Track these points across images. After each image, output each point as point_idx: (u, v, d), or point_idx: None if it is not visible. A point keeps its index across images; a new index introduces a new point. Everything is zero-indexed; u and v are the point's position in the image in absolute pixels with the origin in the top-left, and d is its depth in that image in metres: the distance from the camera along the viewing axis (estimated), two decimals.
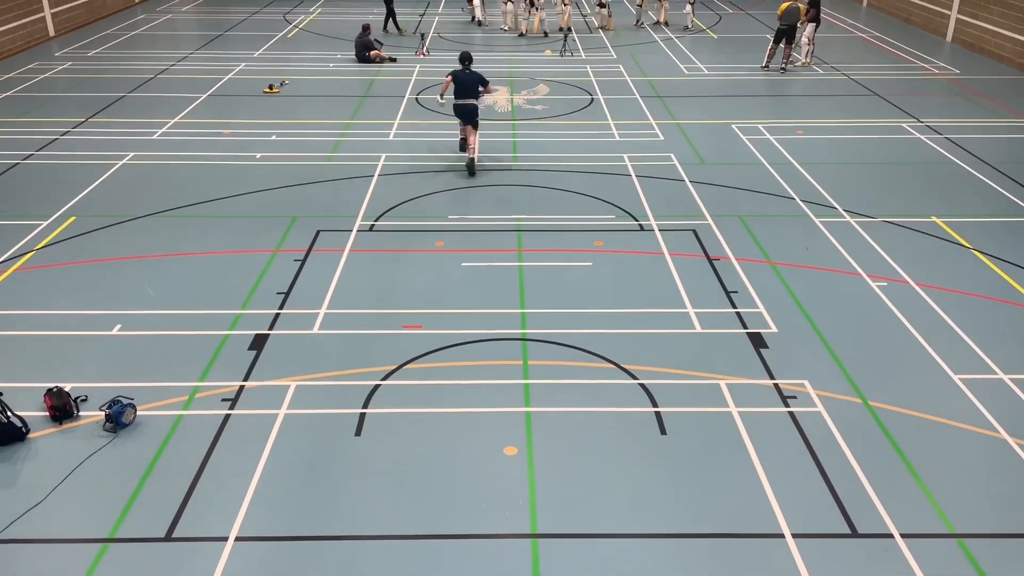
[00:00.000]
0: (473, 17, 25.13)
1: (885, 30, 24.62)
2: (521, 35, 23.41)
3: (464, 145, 13.36)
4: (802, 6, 19.31)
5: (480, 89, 12.99)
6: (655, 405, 7.77)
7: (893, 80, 19.14)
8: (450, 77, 12.94)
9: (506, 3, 23.88)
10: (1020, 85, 18.87)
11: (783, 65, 19.78)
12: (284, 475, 6.89)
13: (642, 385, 8.05)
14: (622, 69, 19.87)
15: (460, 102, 12.97)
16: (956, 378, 8.20)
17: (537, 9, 23.25)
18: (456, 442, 7.30)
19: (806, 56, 20.24)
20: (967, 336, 8.89)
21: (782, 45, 19.66)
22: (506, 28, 24.06)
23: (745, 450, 7.19)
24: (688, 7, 24.25)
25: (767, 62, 19.96)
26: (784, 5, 19.12)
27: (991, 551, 6.18)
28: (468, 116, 13.06)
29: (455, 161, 13.67)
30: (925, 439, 7.37)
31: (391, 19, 23.58)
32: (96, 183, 12.78)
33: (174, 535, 6.27)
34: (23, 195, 12.35)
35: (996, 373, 8.28)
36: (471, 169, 13.05)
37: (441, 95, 13.37)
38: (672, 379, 8.16)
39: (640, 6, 24.88)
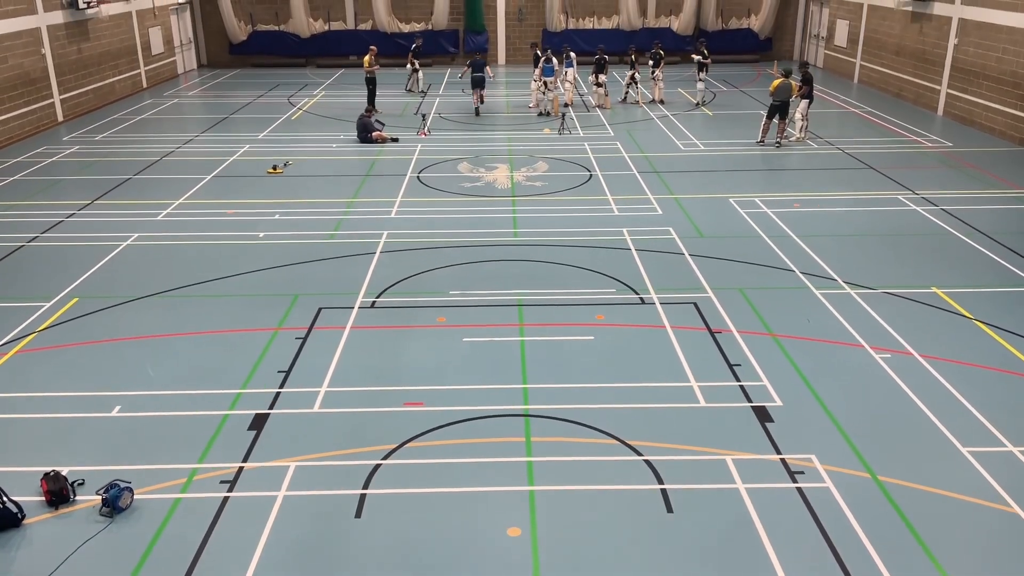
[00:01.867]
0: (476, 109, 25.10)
1: (877, 105, 25.13)
2: (541, 114, 23.90)
3: (477, 110, 23.31)
4: (794, 83, 19.76)
5: (487, 69, 23.74)
6: (660, 482, 7.65)
7: (887, 153, 19.44)
8: (469, 66, 23.46)
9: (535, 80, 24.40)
10: (1013, 156, 19.17)
11: (778, 140, 20.14)
12: (283, 559, 6.74)
13: (647, 461, 7.94)
14: (619, 146, 20.22)
15: (474, 75, 23.31)
16: (965, 451, 8.09)
17: (550, 90, 23.74)
18: (458, 523, 7.16)
19: (800, 132, 20.62)
20: (973, 408, 8.80)
21: (775, 121, 20.04)
22: (532, 106, 24.64)
23: (753, 527, 7.05)
24: (700, 84, 25.02)
25: (762, 137, 20.34)
26: (776, 82, 19.54)
27: None
28: (481, 83, 23.44)
29: (457, 237, 13.79)
30: (936, 514, 7.23)
31: (372, 98, 23.93)
32: (100, 264, 12.88)
33: None
34: (27, 277, 12.44)
35: (1005, 445, 8.17)
36: (478, 112, 23.32)
37: (462, 76, 22.64)
38: (677, 455, 8.05)
39: (628, 85, 25.49)
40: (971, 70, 22.13)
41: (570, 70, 24.82)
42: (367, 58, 23.76)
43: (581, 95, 26.50)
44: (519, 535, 6.99)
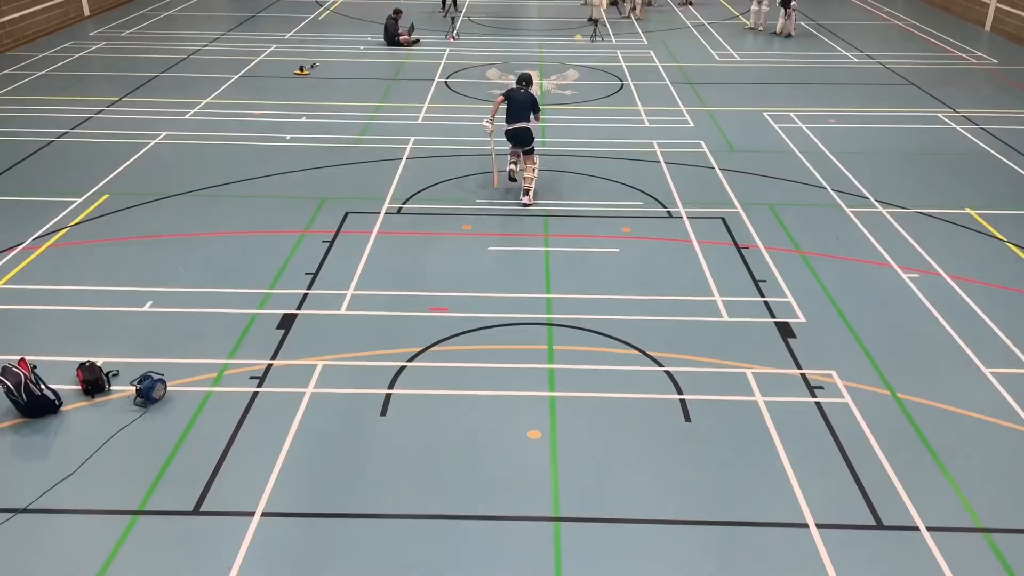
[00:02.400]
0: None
1: (923, 18, 24.19)
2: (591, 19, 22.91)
3: (512, 176, 11.74)
4: None
5: (532, 115, 11.44)
6: (680, 392, 7.75)
7: (930, 69, 18.82)
8: (502, 96, 11.46)
9: None
10: None
11: (789, 32, 21.48)
12: (310, 453, 6.97)
13: (667, 372, 8.03)
14: (652, 55, 19.71)
15: (512, 127, 11.40)
16: (987, 372, 8.10)
17: None
18: (480, 424, 7.33)
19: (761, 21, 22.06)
20: (999, 330, 8.76)
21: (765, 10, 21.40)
22: (639, 16, 23.54)
23: (770, 439, 7.16)
24: (761, 6, 22.35)
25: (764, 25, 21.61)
26: None
27: (1018, 546, 6.11)
28: (522, 140, 11.44)
29: (484, 145, 13.63)
30: (954, 433, 7.29)
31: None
32: (129, 162, 12.93)
33: (202, 509, 6.38)
34: (58, 173, 12.53)
35: None
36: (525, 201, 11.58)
37: (491, 118, 11.49)
38: (698, 367, 8.13)
39: None
40: None
41: None
42: None
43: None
44: (539, 438, 7.15)
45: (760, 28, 22.24)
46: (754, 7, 22.28)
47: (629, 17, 23.63)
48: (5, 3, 19.31)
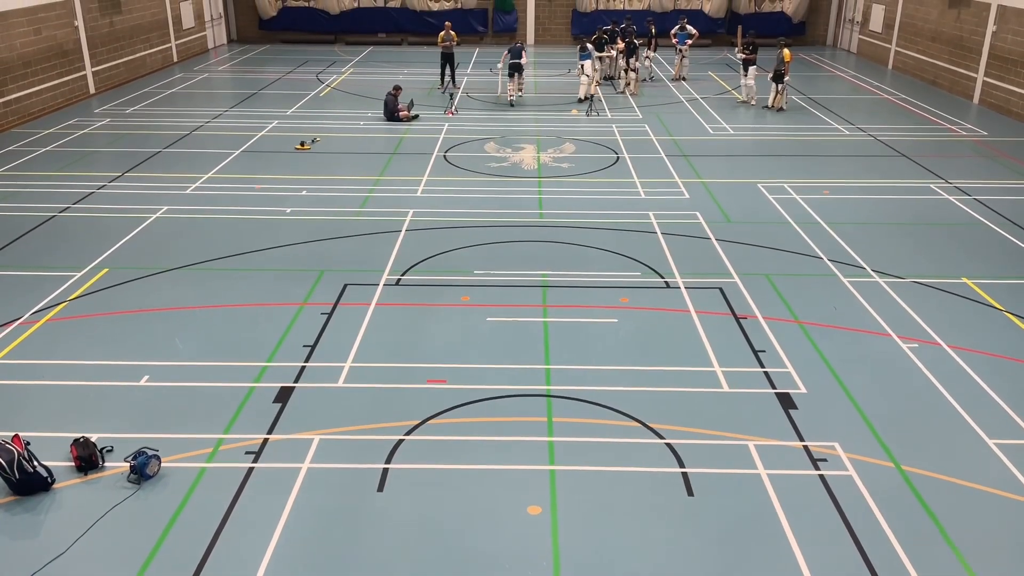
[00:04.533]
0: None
1: (911, 92, 24.74)
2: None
3: (512, 101, 21.72)
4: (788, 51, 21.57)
5: (524, 54, 22.28)
6: (682, 466, 7.65)
7: (920, 141, 19.15)
8: (507, 52, 22.21)
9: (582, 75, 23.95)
10: None
11: (781, 106, 22.03)
12: (306, 530, 6.83)
13: (668, 445, 7.94)
14: (647, 128, 20.08)
15: (514, 61, 22.07)
16: (991, 443, 8.01)
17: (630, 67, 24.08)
18: (479, 499, 7.22)
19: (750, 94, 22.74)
20: (1002, 400, 8.71)
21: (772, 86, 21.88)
22: (633, 92, 24.01)
23: (774, 513, 7.04)
24: (750, 81, 22.73)
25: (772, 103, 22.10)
26: (787, 51, 21.58)
27: None
28: (520, 70, 22.33)
29: (482, 217, 13.79)
30: (960, 505, 7.18)
31: (450, 76, 24.39)
32: (130, 236, 13.02)
33: None
34: (58, 247, 12.60)
35: None
36: (512, 103, 21.64)
37: (501, 63, 21.58)
38: (699, 439, 8.04)
39: (648, 57, 25.78)
40: (1009, 58, 21.71)
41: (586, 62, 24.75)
42: (442, 34, 23.85)
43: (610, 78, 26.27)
44: (539, 513, 7.03)
45: (752, 102, 22.73)
46: (743, 81, 22.83)
47: (624, 92, 24.12)
48: (11, 81, 19.73)
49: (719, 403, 8.66)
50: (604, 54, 24.24)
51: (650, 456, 7.79)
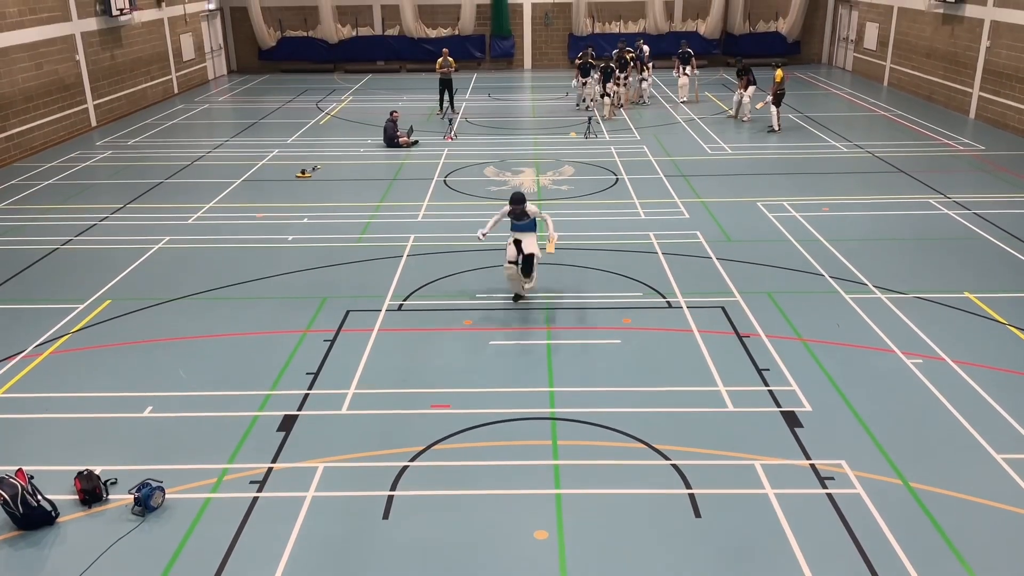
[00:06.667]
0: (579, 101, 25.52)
1: (907, 108, 24.86)
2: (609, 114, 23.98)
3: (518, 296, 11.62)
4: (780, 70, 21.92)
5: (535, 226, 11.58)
6: (688, 487, 7.61)
7: (918, 157, 19.22)
8: (508, 207, 11.43)
9: (603, 96, 24.01)
10: None
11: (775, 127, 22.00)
12: (312, 559, 6.79)
13: (674, 466, 7.91)
14: (646, 149, 20.17)
15: (518, 224, 11.47)
16: (999, 458, 7.97)
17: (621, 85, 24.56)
18: (485, 525, 7.17)
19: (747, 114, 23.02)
20: (1008, 414, 8.67)
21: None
22: (606, 116, 23.95)
23: (783, 533, 6.99)
24: (745, 99, 22.99)
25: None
26: (780, 72, 21.81)
27: None
28: (528, 228, 11.45)
29: (483, 241, 13.77)
30: (969, 521, 7.13)
31: (448, 102, 24.60)
32: (132, 267, 13.05)
33: None
34: (62, 279, 12.63)
35: None
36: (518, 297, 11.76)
37: (485, 232, 11.49)
38: (705, 459, 8.01)
39: (644, 79, 25.99)
40: (1004, 72, 21.83)
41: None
42: (440, 60, 24.05)
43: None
44: (546, 538, 6.98)
45: (745, 119, 22.93)
46: (737, 99, 23.33)
47: (608, 116, 23.92)
48: (13, 115, 19.87)
49: (724, 423, 8.63)
50: (587, 79, 24.62)
51: (656, 478, 7.76)
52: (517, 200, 11.30)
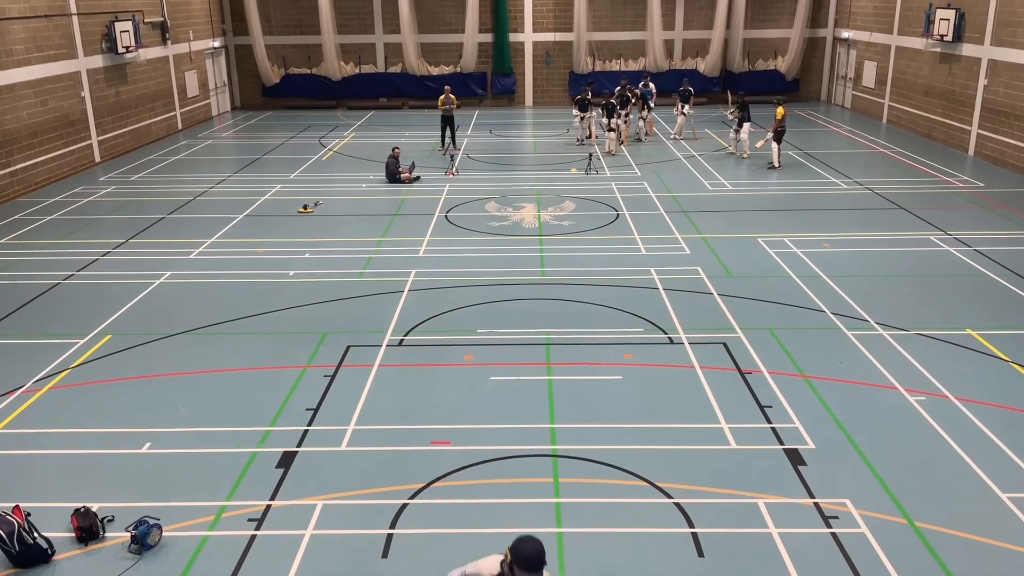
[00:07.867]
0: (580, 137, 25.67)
1: (906, 145, 25.02)
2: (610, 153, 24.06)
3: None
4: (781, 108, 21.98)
5: None
6: (691, 525, 7.52)
7: (917, 193, 19.30)
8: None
9: (609, 130, 24.08)
10: None
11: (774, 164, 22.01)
12: None
13: (677, 504, 7.83)
14: (646, 185, 20.26)
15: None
16: (1004, 496, 7.89)
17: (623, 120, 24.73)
18: None
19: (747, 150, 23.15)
20: (1012, 452, 8.60)
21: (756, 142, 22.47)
22: (610, 151, 24.07)
23: (787, 573, 6.90)
24: (743, 134, 23.24)
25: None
26: (782, 109, 21.71)
27: None
28: None
29: (484, 276, 13.82)
30: (975, 562, 7.04)
31: (450, 138, 24.80)
32: (133, 302, 13.05)
33: None
34: (62, 314, 12.63)
35: None
36: None
37: None
38: (708, 498, 7.93)
39: (643, 118, 26.14)
40: (1002, 110, 22.01)
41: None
42: (442, 97, 24.28)
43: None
44: None
45: (744, 156, 23.07)
46: (735, 136, 23.48)
47: (610, 150, 24.12)
48: (17, 151, 20.02)
49: (727, 460, 8.56)
50: (586, 114, 24.99)
51: (659, 516, 7.67)
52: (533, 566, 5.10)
